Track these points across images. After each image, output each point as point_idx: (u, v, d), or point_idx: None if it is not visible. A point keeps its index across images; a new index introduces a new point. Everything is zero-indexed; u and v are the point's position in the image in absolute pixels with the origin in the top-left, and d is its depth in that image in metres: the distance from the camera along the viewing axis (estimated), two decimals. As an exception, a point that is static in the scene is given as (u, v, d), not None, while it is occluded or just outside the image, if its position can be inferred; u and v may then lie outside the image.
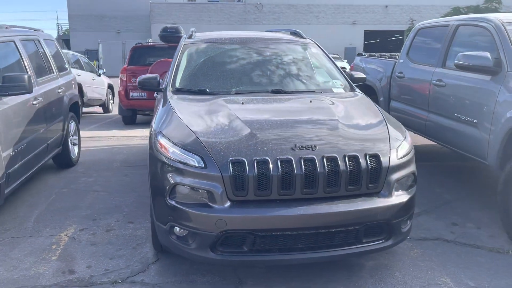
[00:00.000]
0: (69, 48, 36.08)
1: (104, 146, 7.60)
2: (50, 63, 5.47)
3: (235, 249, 2.81)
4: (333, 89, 4.13)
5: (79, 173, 5.76)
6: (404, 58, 5.88)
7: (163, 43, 9.89)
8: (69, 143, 5.86)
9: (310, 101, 3.63)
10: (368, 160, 2.83)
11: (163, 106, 3.66)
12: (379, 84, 6.41)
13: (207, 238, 2.76)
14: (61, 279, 3.16)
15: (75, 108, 6.18)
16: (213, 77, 4.09)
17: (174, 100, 3.63)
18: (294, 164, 2.73)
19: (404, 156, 3.03)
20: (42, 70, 5.16)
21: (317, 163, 2.74)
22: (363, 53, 7.95)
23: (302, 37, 4.81)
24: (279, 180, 2.70)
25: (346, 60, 27.77)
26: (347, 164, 2.78)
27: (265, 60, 4.34)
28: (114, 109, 12.48)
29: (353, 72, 4.53)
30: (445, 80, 4.75)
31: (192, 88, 3.92)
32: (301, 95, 3.88)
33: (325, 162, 2.76)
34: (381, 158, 2.87)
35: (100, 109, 13.08)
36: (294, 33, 4.96)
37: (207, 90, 3.85)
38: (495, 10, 18.41)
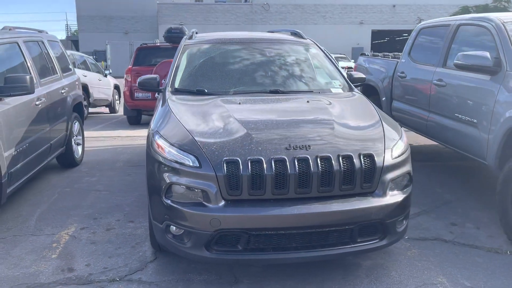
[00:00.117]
0: (77, 49, 36.43)
1: (108, 146, 7.67)
2: (53, 64, 5.54)
3: (229, 248, 2.84)
4: (331, 89, 4.14)
5: (83, 173, 5.83)
6: (406, 58, 5.87)
7: (168, 43, 9.95)
8: (73, 143, 5.93)
9: (307, 101, 3.64)
10: (362, 159, 2.84)
11: (161, 106, 3.71)
12: (381, 84, 6.40)
13: (202, 237, 2.79)
14: (60, 277, 3.20)
15: (79, 108, 6.24)
16: (212, 78, 4.12)
17: (172, 101, 3.67)
18: (288, 163, 2.75)
19: (399, 156, 3.04)
20: (45, 71, 5.22)
21: (311, 163, 2.76)
22: (366, 53, 7.93)
23: (302, 38, 4.82)
24: (272, 180, 2.73)
25: (353, 60, 27.66)
26: (341, 163, 2.80)
27: (264, 60, 4.36)
28: (120, 110, 12.58)
29: (352, 72, 4.53)
30: (446, 80, 4.74)
31: (191, 89, 3.96)
32: (299, 95, 3.89)
33: (318, 161, 2.77)
34: (375, 158, 2.88)
35: (106, 110, 13.20)
36: (295, 34, 4.98)
37: (206, 91, 3.88)
38: (504, 9, 18.23)
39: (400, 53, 6.87)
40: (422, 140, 6.97)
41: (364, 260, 3.42)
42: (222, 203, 2.75)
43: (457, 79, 4.56)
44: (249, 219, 2.74)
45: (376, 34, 36.02)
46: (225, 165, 2.74)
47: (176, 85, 4.04)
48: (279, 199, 2.78)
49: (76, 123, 6.11)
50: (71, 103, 5.82)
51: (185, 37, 4.80)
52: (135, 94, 9.46)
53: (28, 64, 4.69)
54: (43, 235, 3.90)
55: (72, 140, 5.91)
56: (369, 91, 6.80)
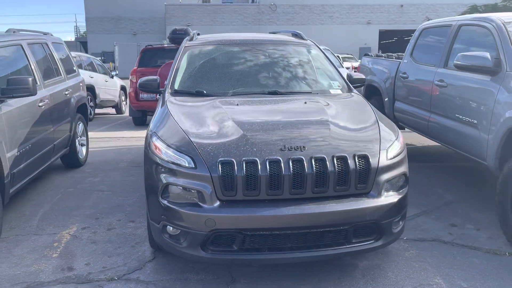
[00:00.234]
0: (86, 50, 36.74)
1: (113, 146, 7.75)
2: (57, 66, 5.61)
3: (225, 248, 2.86)
4: (330, 90, 4.15)
5: (86, 173, 5.89)
6: (408, 59, 5.86)
7: (173, 45, 9.99)
8: (77, 143, 6.00)
9: (305, 103, 3.66)
10: (356, 160, 2.85)
11: (161, 107, 3.75)
12: (384, 85, 6.39)
13: (197, 237, 2.82)
14: (60, 276, 3.25)
15: (83, 109, 6.31)
16: (212, 79, 4.15)
17: (171, 102, 3.71)
18: (282, 164, 2.77)
19: (394, 157, 3.04)
20: (49, 72, 5.29)
21: (305, 164, 2.78)
22: (370, 54, 7.91)
23: (303, 39, 4.83)
24: (267, 181, 2.75)
25: (360, 60, 27.53)
26: (335, 164, 2.81)
27: (263, 61, 4.39)
28: (127, 111, 12.66)
29: (352, 73, 4.53)
30: (447, 81, 4.73)
31: (190, 90, 4.00)
32: (297, 96, 3.91)
33: (313, 162, 2.79)
34: (370, 159, 2.89)
35: (113, 111, 13.30)
36: (295, 35, 5.00)
37: (205, 92, 3.92)
38: (514, 9, 18.08)
39: (402, 54, 6.85)
40: (425, 141, 6.95)
41: (361, 260, 3.43)
42: (217, 203, 2.78)
43: (458, 80, 4.55)
44: (243, 219, 2.76)
45: (383, 34, 35.87)
46: (220, 166, 2.77)
47: (176, 86, 4.08)
48: (274, 199, 2.80)
49: (80, 124, 6.18)
50: (75, 104, 5.89)
51: (186, 38, 4.83)
52: (140, 95, 9.53)
53: (32, 66, 4.75)
54: (45, 235, 3.96)
55: (76, 141, 5.98)
56: (372, 91, 6.80)
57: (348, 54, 27.83)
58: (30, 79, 4.02)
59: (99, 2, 36.71)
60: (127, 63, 29.01)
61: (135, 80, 9.61)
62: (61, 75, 5.64)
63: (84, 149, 6.36)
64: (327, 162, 2.80)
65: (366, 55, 7.82)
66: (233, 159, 2.78)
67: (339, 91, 4.15)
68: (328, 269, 3.30)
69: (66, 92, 5.60)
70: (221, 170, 2.76)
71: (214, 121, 3.26)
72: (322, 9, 34.60)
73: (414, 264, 3.39)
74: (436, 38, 5.39)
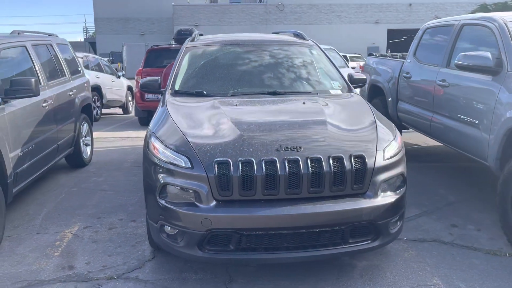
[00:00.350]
0: (95, 51, 37.01)
1: (118, 146, 7.81)
2: (62, 67, 5.67)
3: (221, 247, 2.88)
4: (330, 90, 4.15)
5: (90, 173, 5.95)
6: (412, 58, 5.83)
7: (178, 45, 10.04)
8: (81, 143, 6.05)
9: (304, 103, 3.66)
10: (352, 161, 2.85)
11: (161, 108, 3.78)
12: (387, 85, 6.37)
13: (194, 237, 2.84)
14: (60, 274, 3.29)
15: (87, 109, 6.37)
16: (212, 79, 4.18)
17: (171, 102, 3.74)
18: (278, 165, 2.78)
19: (391, 157, 3.04)
20: (53, 73, 5.35)
21: (301, 164, 2.78)
22: (374, 54, 7.88)
23: (304, 39, 4.84)
24: (263, 181, 2.76)
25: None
26: (331, 165, 2.81)
27: (264, 62, 4.40)
28: (134, 111, 12.75)
29: (353, 73, 4.52)
30: (449, 80, 4.70)
31: (190, 90, 4.02)
32: (297, 96, 3.92)
33: (309, 163, 2.80)
34: (366, 159, 2.89)
35: (120, 111, 13.40)
36: (297, 35, 5.00)
37: (204, 92, 3.94)
38: (524, 7, 17.86)
39: (407, 53, 6.81)
40: (430, 141, 6.91)
41: (360, 261, 3.42)
42: (213, 203, 2.80)
43: (460, 80, 4.52)
44: (239, 219, 2.78)
45: (392, 33, 35.64)
46: (216, 166, 2.79)
47: (176, 87, 4.11)
48: (270, 199, 2.81)
49: (85, 124, 6.24)
50: (80, 105, 5.95)
51: (188, 39, 4.86)
52: (146, 95, 9.59)
53: (36, 67, 4.81)
54: (47, 234, 4.01)
55: (81, 141, 6.03)
56: (377, 91, 6.77)
57: (356, 53, 27.72)
58: (32, 80, 4.07)
59: (107, 3, 36.97)
60: (135, 63, 29.15)
61: (140, 81, 9.67)
62: (65, 75, 5.70)
63: (88, 149, 6.42)
64: (323, 163, 2.81)
65: (370, 55, 7.80)
66: (229, 159, 2.80)
67: (339, 91, 4.15)
68: (327, 269, 3.30)
69: (71, 93, 5.66)
70: (217, 170, 2.78)
71: (212, 121, 3.28)
72: (330, 9, 34.50)
73: (413, 264, 3.38)
74: (439, 38, 5.37)
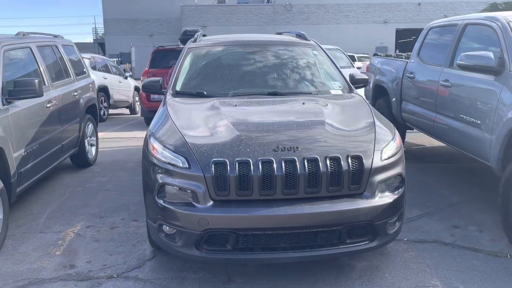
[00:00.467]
0: (104, 52, 37.29)
1: (123, 146, 7.87)
2: (67, 67, 5.73)
3: (219, 247, 2.89)
4: (331, 90, 4.15)
5: (95, 173, 6.00)
6: (415, 59, 5.81)
7: (184, 46, 10.09)
8: (86, 144, 6.11)
9: (303, 103, 3.67)
10: (349, 161, 2.85)
11: (161, 108, 3.81)
12: (391, 85, 6.34)
13: (191, 236, 2.86)
14: (61, 273, 3.33)
15: (92, 110, 6.43)
16: (213, 80, 4.20)
17: (171, 103, 3.76)
18: (274, 165, 2.79)
19: (389, 158, 3.03)
20: (58, 74, 5.41)
21: (298, 165, 2.79)
22: (379, 54, 7.85)
23: (306, 39, 4.84)
24: (259, 181, 2.77)
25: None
26: (328, 165, 2.81)
27: (265, 62, 4.41)
28: (140, 111, 12.85)
29: (355, 73, 4.52)
30: (452, 81, 4.67)
31: (191, 91, 4.05)
32: (296, 97, 3.92)
33: (305, 163, 2.80)
34: (364, 160, 2.88)
35: (127, 111, 13.49)
36: (299, 35, 5.00)
37: (205, 93, 3.96)
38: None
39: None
40: (434, 142, 6.87)
41: (359, 261, 3.42)
42: (210, 203, 2.82)
43: (462, 80, 4.49)
44: (236, 219, 2.79)
45: (400, 33, 35.47)
46: (213, 166, 2.80)
47: (177, 87, 4.14)
48: (267, 199, 2.82)
49: (90, 125, 6.29)
50: (84, 105, 6.00)
51: (190, 40, 4.89)
52: (151, 96, 9.64)
53: (40, 68, 4.87)
54: (50, 233, 4.06)
55: (86, 141, 6.09)
56: (381, 92, 6.75)
57: (364, 53, 27.62)
58: (36, 81, 4.12)
59: (116, 4, 37.26)
60: (143, 64, 29.29)
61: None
62: (70, 76, 5.75)
63: (93, 149, 6.48)
64: (320, 163, 2.81)
65: (375, 55, 7.77)
66: (226, 160, 2.81)
67: (340, 92, 4.15)
68: (325, 270, 3.30)
69: (75, 93, 5.72)
70: (214, 170, 2.79)
71: (211, 121, 3.30)
72: (337, 9, 34.41)
73: (412, 265, 3.36)
74: (443, 38, 5.33)
